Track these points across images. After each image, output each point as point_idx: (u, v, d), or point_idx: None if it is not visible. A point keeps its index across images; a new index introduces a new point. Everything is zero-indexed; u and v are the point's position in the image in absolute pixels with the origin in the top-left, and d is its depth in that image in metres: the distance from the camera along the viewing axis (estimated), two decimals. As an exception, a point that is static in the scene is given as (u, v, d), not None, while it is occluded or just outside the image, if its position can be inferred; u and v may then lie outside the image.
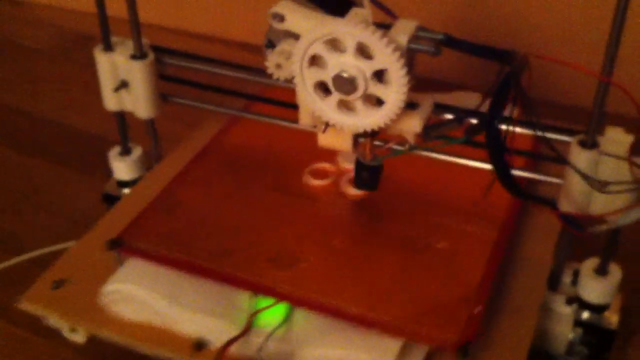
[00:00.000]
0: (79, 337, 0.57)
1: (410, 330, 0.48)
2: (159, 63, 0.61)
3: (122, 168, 0.65)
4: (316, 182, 0.62)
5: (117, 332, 0.52)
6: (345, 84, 0.46)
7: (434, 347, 0.49)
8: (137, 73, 0.60)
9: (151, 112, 0.62)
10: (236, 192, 0.61)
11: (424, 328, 0.48)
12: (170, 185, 0.61)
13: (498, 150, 0.43)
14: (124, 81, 0.60)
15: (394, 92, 0.46)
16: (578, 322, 0.55)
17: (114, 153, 0.66)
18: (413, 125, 0.49)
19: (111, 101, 0.62)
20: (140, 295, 0.52)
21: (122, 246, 0.54)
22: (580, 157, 0.48)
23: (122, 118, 0.64)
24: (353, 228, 0.58)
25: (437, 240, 0.55)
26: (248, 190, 0.61)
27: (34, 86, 0.98)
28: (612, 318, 0.55)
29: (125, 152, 0.66)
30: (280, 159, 0.65)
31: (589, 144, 0.47)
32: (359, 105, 0.48)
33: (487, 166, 0.46)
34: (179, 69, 0.62)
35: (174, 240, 0.55)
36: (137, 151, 0.66)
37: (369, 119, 0.48)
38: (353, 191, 0.60)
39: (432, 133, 0.50)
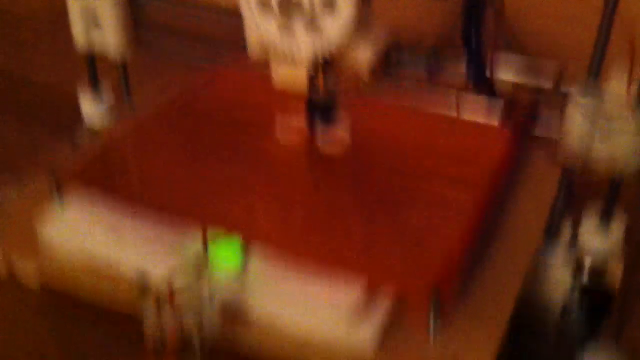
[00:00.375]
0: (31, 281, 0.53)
1: (373, 276, 0.43)
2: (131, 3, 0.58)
3: (92, 113, 0.62)
4: (285, 134, 0.57)
5: (56, 270, 0.48)
6: (291, 5, 0.44)
7: (402, 295, 0.44)
8: (108, 9, 0.57)
9: (121, 50, 0.59)
10: (198, 144, 0.57)
11: (390, 274, 0.44)
12: (127, 131, 0.57)
13: (471, 45, 0.39)
14: (94, 18, 0.57)
15: (341, 18, 0.43)
16: (575, 280, 0.50)
17: (85, 97, 0.63)
18: (364, 58, 0.46)
19: (82, 40, 0.59)
20: (81, 232, 0.48)
21: (66, 182, 0.50)
22: (582, 101, 0.44)
23: (93, 60, 0.61)
24: (322, 181, 0.53)
25: (416, 194, 0.51)
26: (211, 143, 0.57)
27: (24, 52, 0.95)
28: (614, 276, 0.50)
29: (96, 96, 0.62)
30: (250, 115, 0.60)
31: (590, 88, 0.44)
32: (302, 28, 0.45)
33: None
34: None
35: (122, 181, 0.52)
36: (107, 96, 0.63)
37: (313, 43, 0.45)
38: (327, 147, 0.55)
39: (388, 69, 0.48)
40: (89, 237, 0.48)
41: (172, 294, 0.42)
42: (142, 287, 0.44)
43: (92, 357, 0.49)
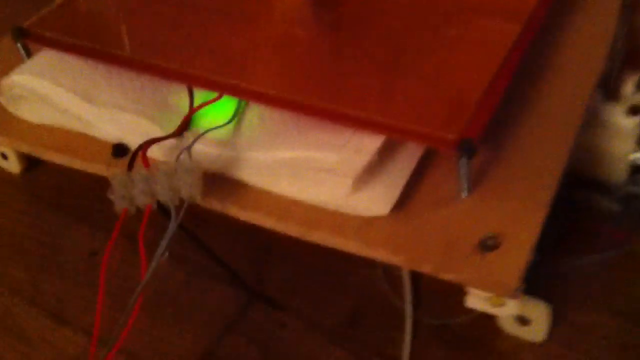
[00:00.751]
0: (13, 167, 0.48)
1: (394, 127, 0.35)
2: None
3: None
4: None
5: (20, 138, 0.42)
6: None
7: (426, 149, 0.37)
8: None
9: None
10: None
11: (411, 124, 0.35)
12: None
13: None
14: None
15: None
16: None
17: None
18: None
19: None
20: (48, 91, 0.41)
21: (29, 35, 0.44)
22: None
23: None
24: (331, 17, 0.45)
25: (445, 29, 0.41)
26: None
27: None
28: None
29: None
30: None
31: None
32: None
33: None
34: None
35: (95, 30, 0.44)
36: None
37: None
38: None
39: None
40: (60, 103, 0.41)
41: (143, 150, 0.36)
42: (117, 151, 0.39)
43: (71, 242, 0.44)
